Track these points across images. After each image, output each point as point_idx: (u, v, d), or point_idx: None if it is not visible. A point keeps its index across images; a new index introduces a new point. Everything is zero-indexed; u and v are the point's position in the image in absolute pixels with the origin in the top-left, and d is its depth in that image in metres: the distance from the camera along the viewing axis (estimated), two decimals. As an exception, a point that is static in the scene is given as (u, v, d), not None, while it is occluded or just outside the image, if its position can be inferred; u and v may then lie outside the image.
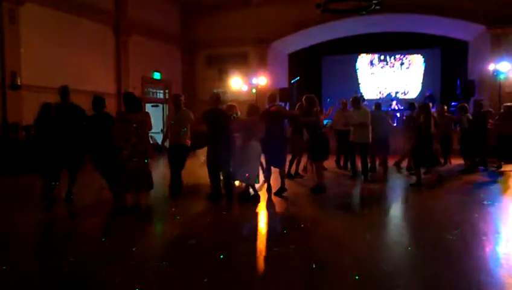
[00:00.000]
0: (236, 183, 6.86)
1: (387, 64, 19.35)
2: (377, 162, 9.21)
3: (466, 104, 9.90)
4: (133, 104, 5.60)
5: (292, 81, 16.83)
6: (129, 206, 5.57)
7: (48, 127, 6.15)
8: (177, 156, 6.76)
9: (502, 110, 9.93)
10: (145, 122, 5.60)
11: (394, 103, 17.13)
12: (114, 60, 13.37)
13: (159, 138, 9.23)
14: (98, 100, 6.10)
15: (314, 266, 3.60)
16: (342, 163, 9.99)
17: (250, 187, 6.48)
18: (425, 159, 7.55)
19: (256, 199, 6.36)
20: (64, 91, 6.32)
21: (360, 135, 8.15)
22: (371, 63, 19.57)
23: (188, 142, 6.87)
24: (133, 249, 4.11)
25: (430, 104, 7.95)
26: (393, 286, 3.24)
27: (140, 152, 5.49)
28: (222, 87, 15.15)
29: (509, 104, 9.83)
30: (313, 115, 6.86)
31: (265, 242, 4.54)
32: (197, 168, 8.05)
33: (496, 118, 9.92)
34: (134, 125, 5.44)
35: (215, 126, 6.32)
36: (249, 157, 6.26)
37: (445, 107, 10.39)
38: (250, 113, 6.59)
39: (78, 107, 6.35)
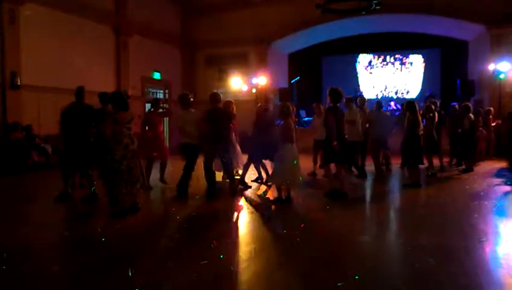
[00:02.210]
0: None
1: (387, 64, 19.35)
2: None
3: (469, 104, 9.90)
4: (121, 104, 5.51)
5: (292, 81, 16.84)
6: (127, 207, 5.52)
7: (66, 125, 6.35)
8: (187, 156, 6.72)
9: None
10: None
11: (393, 103, 17.13)
12: (114, 60, 13.35)
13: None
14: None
15: (314, 266, 3.60)
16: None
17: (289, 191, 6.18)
18: (409, 158, 7.45)
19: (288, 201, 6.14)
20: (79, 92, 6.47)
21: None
22: (371, 63, 19.57)
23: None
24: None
25: (416, 103, 7.78)
26: (393, 286, 3.24)
27: (132, 152, 5.44)
28: (222, 87, 15.16)
29: None
30: (338, 111, 6.51)
31: (264, 241, 4.54)
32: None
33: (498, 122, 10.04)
34: (126, 126, 5.41)
35: (216, 125, 6.56)
36: (288, 161, 6.00)
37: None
38: (285, 114, 6.20)
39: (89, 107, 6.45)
